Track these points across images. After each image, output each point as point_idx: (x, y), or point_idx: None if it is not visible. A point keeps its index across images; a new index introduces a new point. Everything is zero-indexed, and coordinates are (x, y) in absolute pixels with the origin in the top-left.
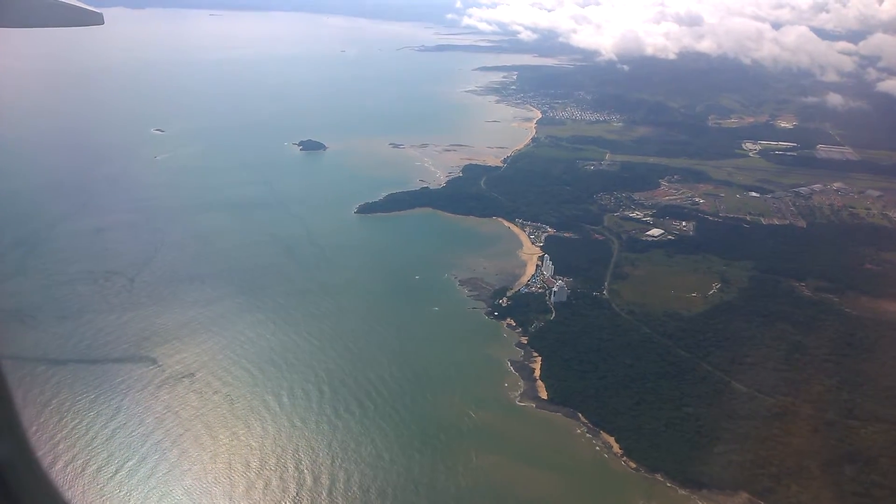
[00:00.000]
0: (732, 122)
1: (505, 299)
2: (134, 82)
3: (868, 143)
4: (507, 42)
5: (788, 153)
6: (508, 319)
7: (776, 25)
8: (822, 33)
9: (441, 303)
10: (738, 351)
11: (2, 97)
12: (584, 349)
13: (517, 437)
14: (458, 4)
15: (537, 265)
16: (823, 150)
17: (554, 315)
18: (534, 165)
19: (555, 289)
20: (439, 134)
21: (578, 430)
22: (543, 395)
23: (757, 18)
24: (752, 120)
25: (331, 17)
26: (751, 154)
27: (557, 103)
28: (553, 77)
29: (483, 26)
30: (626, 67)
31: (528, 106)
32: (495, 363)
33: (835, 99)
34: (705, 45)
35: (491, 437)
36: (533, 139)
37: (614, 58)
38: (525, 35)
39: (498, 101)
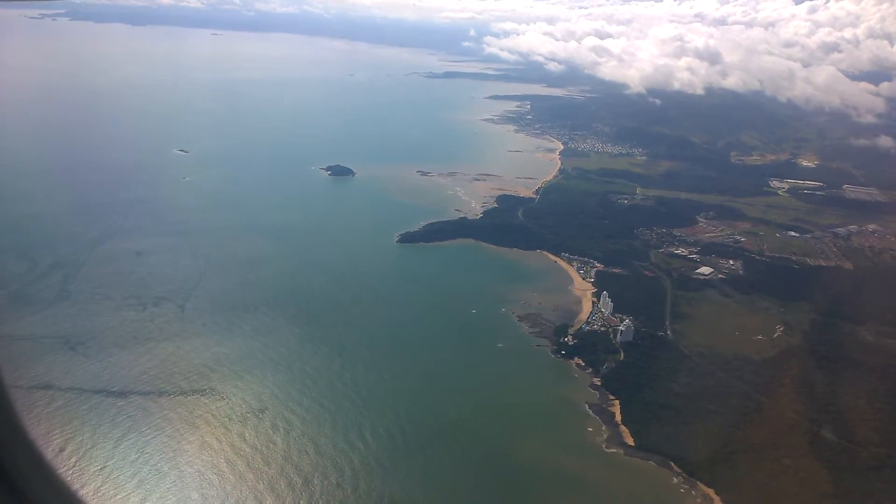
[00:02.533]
0: (755, 158)
1: (570, 337)
2: (149, 102)
3: (891, 183)
4: (527, 73)
5: (817, 192)
6: (577, 359)
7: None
8: None
9: (503, 339)
10: (821, 399)
11: (15, 115)
12: (663, 393)
13: (613, 487)
14: (472, 33)
15: (593, 302)
16: (850, 191)
17: (623, 356)
18: (567, 197)
19: (622, 328)
20: (465, 163)
21: (674, 481)
22: (630, 441)
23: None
24: (773, 157)
25: (332, 41)
26: (780, 192)
27: (577, 135)
28: (567, 108)
29: (505, 55)
30: (657, 101)
31: (547, 136)
32: (573, 406)
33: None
34: (731, 82)
35: (586, 487)
36: (560, 170)
37: (643, 91)
38: (552, 66)
39: (517, 131)
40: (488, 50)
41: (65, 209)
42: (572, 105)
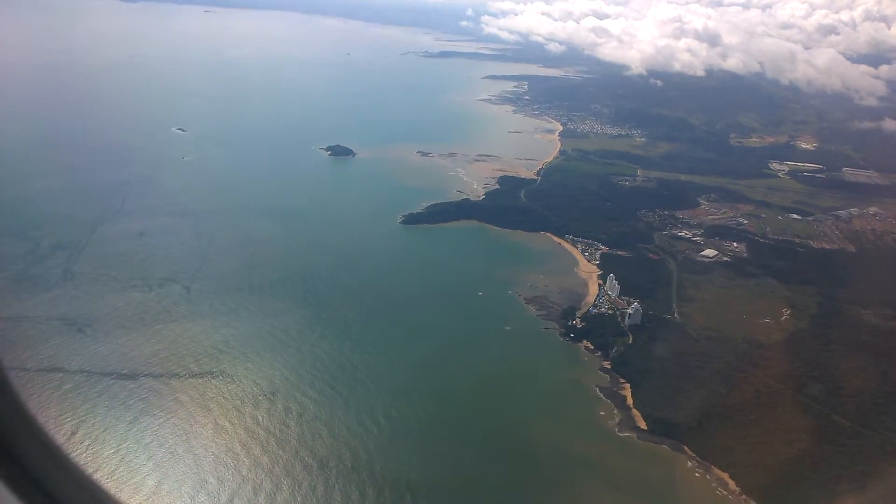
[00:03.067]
0: (754, 141)
1: (578, 320)
2: (143, 80)
3: (890, 166)
4: (523, 53)
5: (817, 175)
6: (585, 342)
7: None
8: None
9: (511, 322)
10: (831, 383)
11: (4, 94)
12: (673, 377)
13: (627, 470)
14: (470, 12)
15: (599, 284)
16: (850, 173)
17: (631, 339)
18: (568, 179)
19: (630, 311)
20: (465, 143)
21: (689, 464)
22: (642, 424)
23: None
24: (772, 140)
25: (326, 19)
26: (780, 175)
27: (576, 115)
28: (564, 88)
29: (505, 35)
30: (659, 83)
31: (546, 117)
32: (583, 389)
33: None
34: (731, 63)
35: (600, 470)
36: (560, 152)
37: (643, 72)
38: (553, 47)
39: (515, 112)
40: (488, 30)
41: (63, 190)
42: (570, 86)
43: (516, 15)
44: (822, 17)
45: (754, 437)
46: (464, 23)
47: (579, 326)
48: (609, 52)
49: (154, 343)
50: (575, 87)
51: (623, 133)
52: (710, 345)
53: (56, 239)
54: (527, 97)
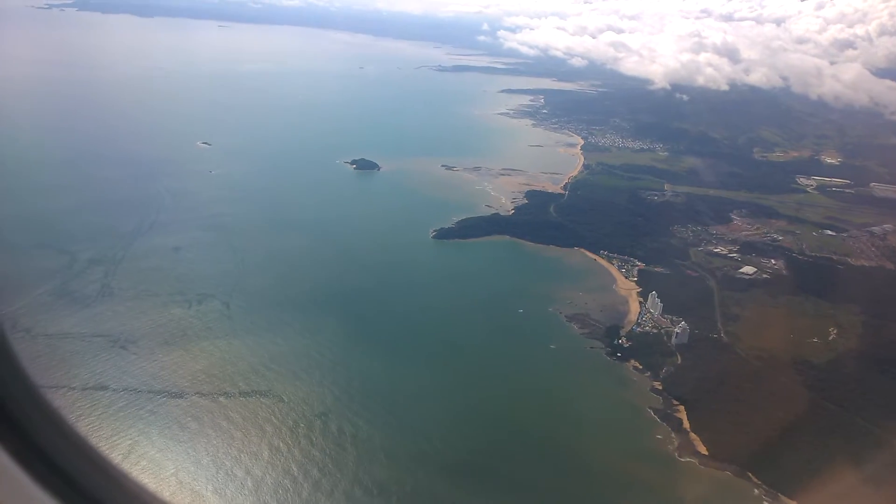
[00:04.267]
0: (778, 155)
1: (623, 339)
2: (163, 94)
3: None
4: (536, 67)
5: (846, 190)
6: (633, 362)
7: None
8: None
9: (554, 340)
10: (890, 407)
11: (32, 107)
12: (728, 399)
13: (693, 498)
14: (485, 27)
15: (640, 302)
16: (879, 189)
17: (680, 359)
18: (596, 193)
19: (677, 330)
20: (488, 157)
21: (755, 492)
22: (702, 449)
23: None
24: (795, 154)
25: (336, 33)
26: (808, 190)
27: (595, 129)
28: (581, 102)
29: (524, 50)
30: (685, 97)
31: (566, 131)
32: (637, 411)
33: None
34: (755, 78)
35: (665, 498)
36: (584, 166)
37: (668, 86)
38: (576, 61)
39: (534, 125)
40: (508, 44)
41: (96, 203)
42: (586, 99)
43: (532, 30)
44: (837, 31)
45: (820, 462)
46: (481, 37)
47: (626, 345)
48: (632, 66)
49: (199, 360)
50: (591, 101)
51: (645, 147)
52: (761, 365)
53: (93, 253)
54: (544, 111)
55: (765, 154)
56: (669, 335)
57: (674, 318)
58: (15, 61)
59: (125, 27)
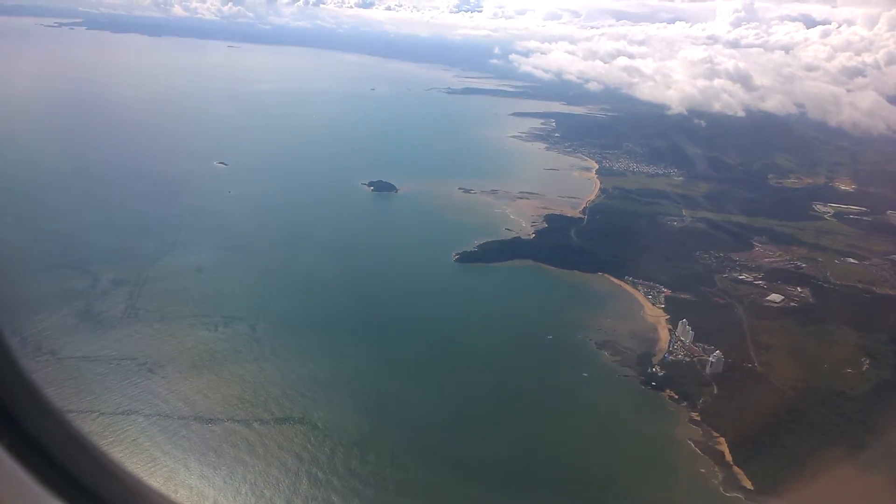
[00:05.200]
0: (793, 181)
1: (657, 368)
2: (176, 113)
3: None
4: (544, 90)
5: (863, 218)
6: (668, 391)
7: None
8: None
9: (586, 368)
10: None
11: (45, 125)
12: (769, 431)
13: None
14: (497, 50)
15: (669, 329)
16: (895, 217)
17: (716, 389)
18: (615, 218)
19: (712, 359)
20: (504, 180)
21: None
22: (747, 484)
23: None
24: (809, 181)
25: (344, 55)
26: (826, 217)
27: (609, 153)
28: (592, 126)
29: (539, 74)
30: (703, 123)
31: (579, 155)
32: (677, 443)
33: None
34: (770, 105)
35: None
36: (601, 190)
37: (684, 112)
38: (592, 86)
39: (548, 149)
40: (523, 68)
41: (117, 222)
42: (597, 123)
43: (544, 54)
44: (845, 59)
45: (871, 497)
46: (494, 61)
47: (660, 374)
48: (648, 91)
49: (230, 385)
50: (603, 125)
51: (660, 172)
52: (798, 397)
53: (116, 273)
54: (556, 134)
55: (780, 180)
56: (703, 364)
57: (705, 347)
58: (27, 79)
59: (135, 46)
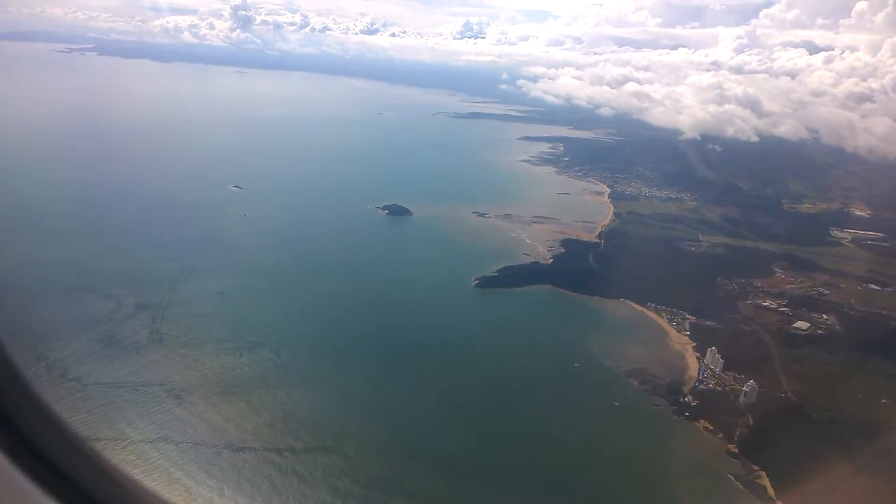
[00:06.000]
0: (807, 207)
1: (689, 397)
2: (189, 138)
3: None
4: (550, 114)
5: (882, 244)
6: (702, 421)
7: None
8: None
9: (616, 396)
10: None
11: (60, 149)
12: (809, 464)
13: None
14: (505, 76)
15: (697, 357)
16: None
17: (751, 420)
18: (632, 243)
19: (746, 389)
20: (517, 204)
21: None
22: None
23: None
24: (824, 206)
25: (350, 80)
26: (844, 243)
27: (620, 178)
28: (601, 150)
29: (549, 99)
30: (717, 148)
31: (590, 179)
32: (717, 477)
33: None
34: (783, 130)
35: None
36: (615, 214)
37: (698, 137)
38: (604, 111)
39: (558, 173)
40: (533, 93)
41: (136, 246)
42: (605, 148)
43: (552, 80)
44: (851, 84)
45: None
46: (503, 86)
47: (692, 404)
48: (660, 116)
49: (259, 412)
50: (611, 149)
51: (673, 196)
52: (836, 429)
53: (138, 298)
54: (565, 158)
55: (794, 205)
56: (736, 394)
57: (736, 375)
58: (40, 104)
59: (145, 72)
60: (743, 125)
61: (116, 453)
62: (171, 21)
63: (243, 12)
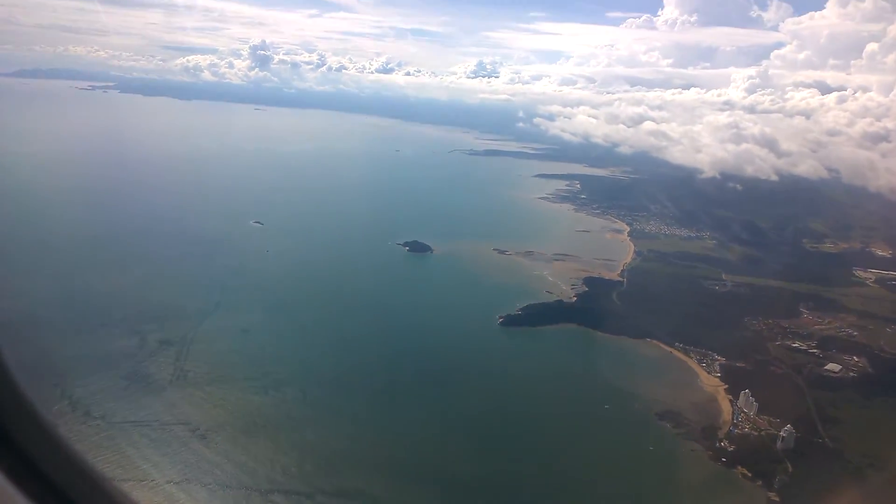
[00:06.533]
0: (829, 247)
1: (725, 442)
2: (209, 173)
3: None
4: (564, 152)
5: None
6: (740, 468)
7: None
8: None
9: (650, 440)
10: None
11: (83, 184)
12: None
13: None
14: (521, 114)
15: (730, 400)
16: None
17: (790, 467)
18: (655, 281)
19: (783, 434)
20: (538, 241)
21: None
22: None
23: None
24: (845, 245)
25: (365, 117)
26: (868, 283)
27: (638, 216)
28: (616, 188)
29: (567, 137)
30: (738, 186)
31: (609, 217)
32: None
33: None
34: (802, 169)
35: None
36: (636, 253)
37: (718, 176)
38: (624, 149)
39: (576, 210)
40: (551, 132)
41: (159, 281)
42: (622, 186)
43: (569, 118)
44: (866, 124)
45: None
46: (520, 124)
47: (729, 449)
48: (679, 154)
49: (287, 453)
50: (627, 187)
51: (692, 235)
52: (878, 477)
53: (162, 334)
54: (582, 196)
55: (815, 245)
56: (773, 439)
57: (771, 419)
58: (64, 139)
59: (166, 109)
60: (762, 164)
61: (143, 494)
62: (191, 60)
63: (262, 52)
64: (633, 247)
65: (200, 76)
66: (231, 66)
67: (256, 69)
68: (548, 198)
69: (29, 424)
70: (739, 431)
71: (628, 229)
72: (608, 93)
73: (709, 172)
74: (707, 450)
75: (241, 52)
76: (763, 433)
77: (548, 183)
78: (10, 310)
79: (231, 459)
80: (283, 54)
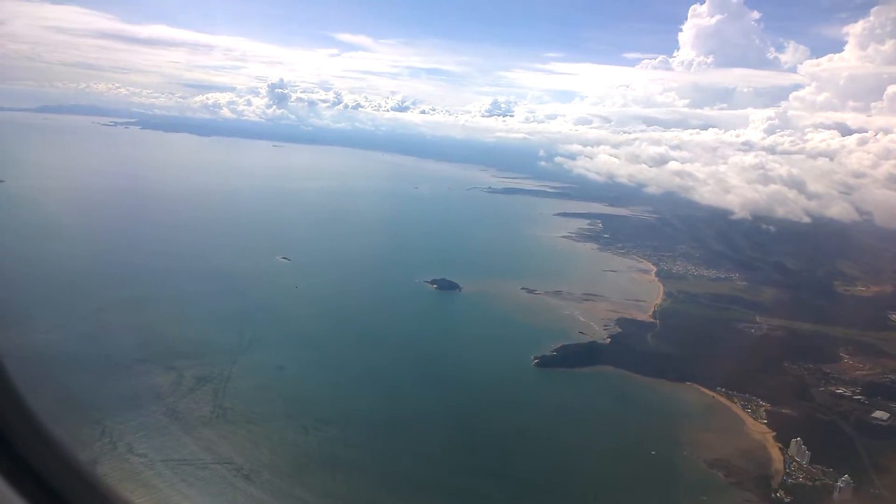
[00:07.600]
0: (861, 290)
1: (783, 492)
2: (233, 209)
3: None
4: (583, 191)
5: None
6: None
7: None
8: None
9: (703, 491)
10: None
11: (108, 220)
12: None
13: None
14: (542, 153)
15: (779, 448)
16: None
17: None
18: (688, 323)
19: (840, 484)
20: (565, 281)
21: None
22: None
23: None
24: (877, 289)
25: (382, 154)
26: None
27: (664, 256)
28: (639, 227)
29: (592, 176)
30: (772, 228)
31: (634, 256)
32: None
33: None
34: (834, 212)
35: None
36: (666, 293)
37: (748, 217)
38: (652, 189)
39: (601, 250)
40: (576, 171)
41: (191, 317)
42: (644, 225)
43: (590, 158)
44: (891, 166)
45: None
46: (542, 163)
47: (786, 500)
48: (708, 196)
49: (335, 497)
50: (650, 227)
51: (721, 276)
52: None
53: (199, 370)
54: (605, 235)
55: (847, 288)
56: (828, 489)
57: (824, 469)
58: (87, 174)
59: (186, 145)
60: (794, 206)
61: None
62: (210, 98)
63: (279, 90)
64: (662, 287)
65: (219, 113)
66: (249, 103)
67: (274, 107)
68: (570, 236)
69: (26, 427)
70: (793, 481)
71: (655, 269)
72: (624, 132)
73: (739, 213)
74: (762, 500)
75: (259, 90)
76: (818, 483)
77: (569, 221)
78: (43, 345)
79: (278, 500)
80: (301, 92)
